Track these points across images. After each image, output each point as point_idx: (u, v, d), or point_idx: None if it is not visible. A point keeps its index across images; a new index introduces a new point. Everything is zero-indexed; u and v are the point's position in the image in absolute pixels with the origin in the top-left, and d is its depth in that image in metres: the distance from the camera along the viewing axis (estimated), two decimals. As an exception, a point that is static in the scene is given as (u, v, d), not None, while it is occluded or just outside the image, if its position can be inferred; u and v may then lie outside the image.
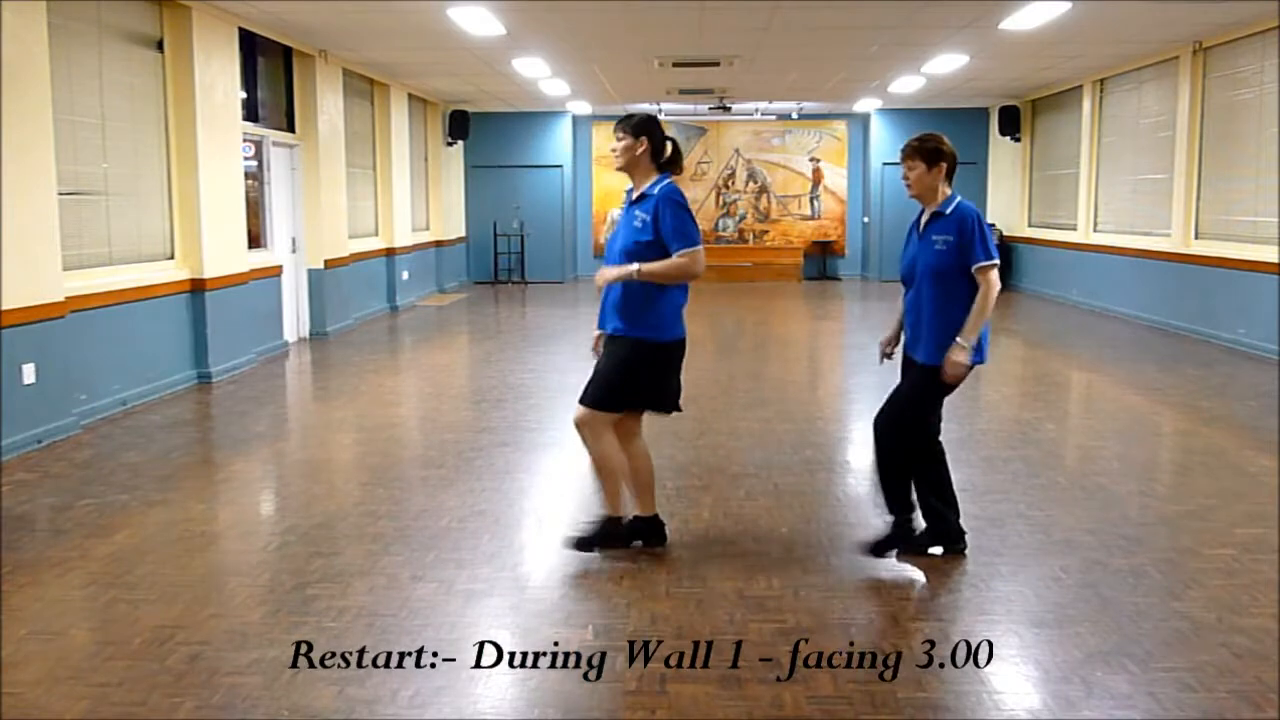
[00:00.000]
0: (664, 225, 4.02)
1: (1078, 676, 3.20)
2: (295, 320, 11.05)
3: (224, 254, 8.71)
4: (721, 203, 18.41)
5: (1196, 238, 10.99)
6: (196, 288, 8.33)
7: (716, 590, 3.92)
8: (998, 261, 4.04)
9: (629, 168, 4.19)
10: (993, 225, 16.67)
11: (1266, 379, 8.34)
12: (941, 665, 3.29)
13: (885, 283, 17.56)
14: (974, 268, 4.01)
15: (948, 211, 4.10)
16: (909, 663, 3.31)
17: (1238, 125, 10.26)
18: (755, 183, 18.33)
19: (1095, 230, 13.64)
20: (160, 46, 8.10)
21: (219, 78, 8.60)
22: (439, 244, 16.40)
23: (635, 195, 4.18)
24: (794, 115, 17.69)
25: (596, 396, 4.16)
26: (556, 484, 5.61)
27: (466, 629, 3.61)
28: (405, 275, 14.26)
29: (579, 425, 4.20)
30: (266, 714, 3.00)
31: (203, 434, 6.91)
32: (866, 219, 18.27)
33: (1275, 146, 9.50)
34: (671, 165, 4.21)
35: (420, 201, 15.87)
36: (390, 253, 13.80)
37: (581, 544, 4.33)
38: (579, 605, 3.79)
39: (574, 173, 18.37)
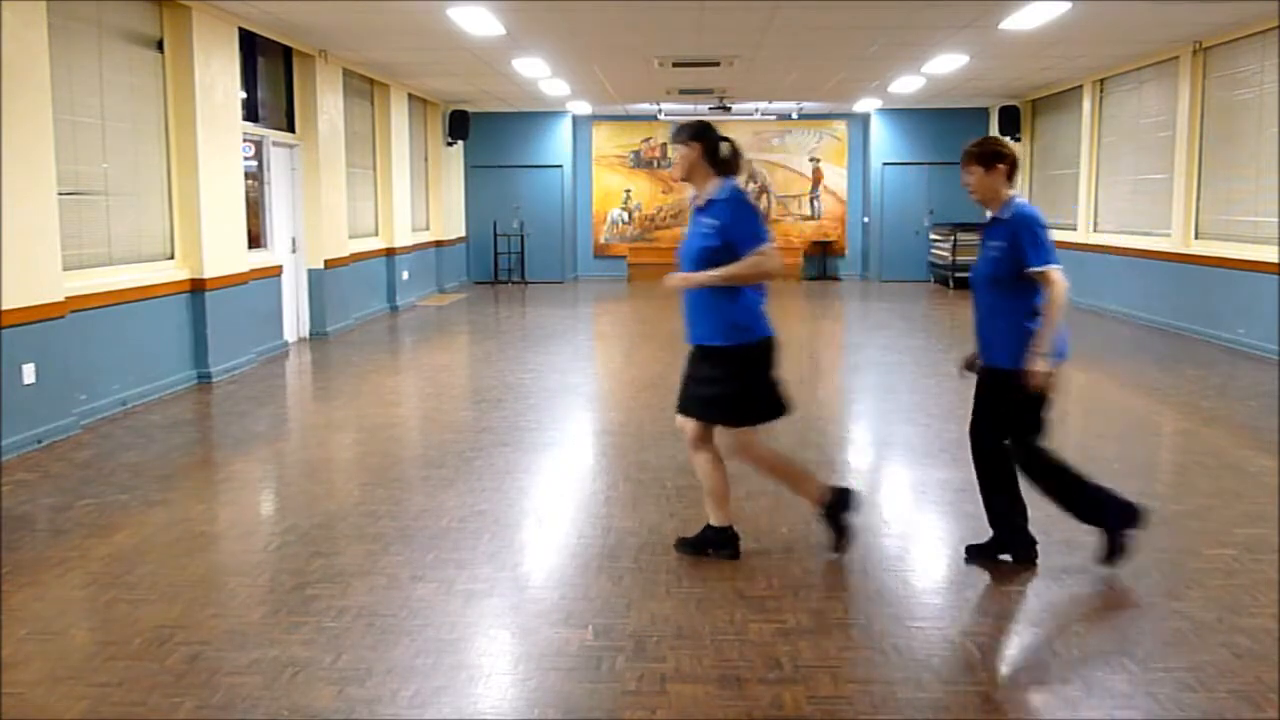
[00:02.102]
0: (732, 228, 3.98)
1: (1078, 676, 3.20)
2: (295, 320, 11.04)
3: (224, 254, 8.71)
4: (721, 203, 18.39)
5: (1196, 238, 10.99)
6: (196, 288, 8.33)
7: (716, 590, 3.92)
8: (1055, 264, 3.87)
9: (689, 176, 4.16)
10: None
11: (1266, 379, 8.34)
12: (942, 665, 3.29)
13: (885, 283, 17.57)
14: (1029, 271, 3.89)
15: (1005, 216, 4.01)
16: (910, 663, 3.31)
17: (1238, 125, 10.26)
18: (755, 183, 18.32)
19: (1095, 230, 13.64)
20: (160, 46, 8.10)
21: (219, 78, 8.60)
22: (439, 244, 16.40)
23: (702, 201, 4.13)
24: (794, 115, 17.69)
25: (728, 416, 4.12)
26: (556, 484, 5.61)
27: (466, 629, 3.61)
28: (405, 275, 14.25)
29: (734, 455, 4.19)
30: (266, 714, 3.00)
31: (203, 434, 6.91)
32: (867, 219, 18.27)
33: (1275, 146, 9.50)
34: (729, 166, 4.15)
35: (420, 201, 15.87)
36: (390, 253, 13.79)
37: (838, 543, 4.30)
38: (579, 605, 3.79)
39: (574, 173, 18.36)
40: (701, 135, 4.12)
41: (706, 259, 4.01)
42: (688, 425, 4.25)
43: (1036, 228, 3.94)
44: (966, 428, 4.26)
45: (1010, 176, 4.05)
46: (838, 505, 4.30)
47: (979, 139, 4.13)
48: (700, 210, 4.13)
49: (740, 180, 4.18)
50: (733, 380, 4.07)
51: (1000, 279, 3.99)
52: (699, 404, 4.17)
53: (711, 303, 4.04)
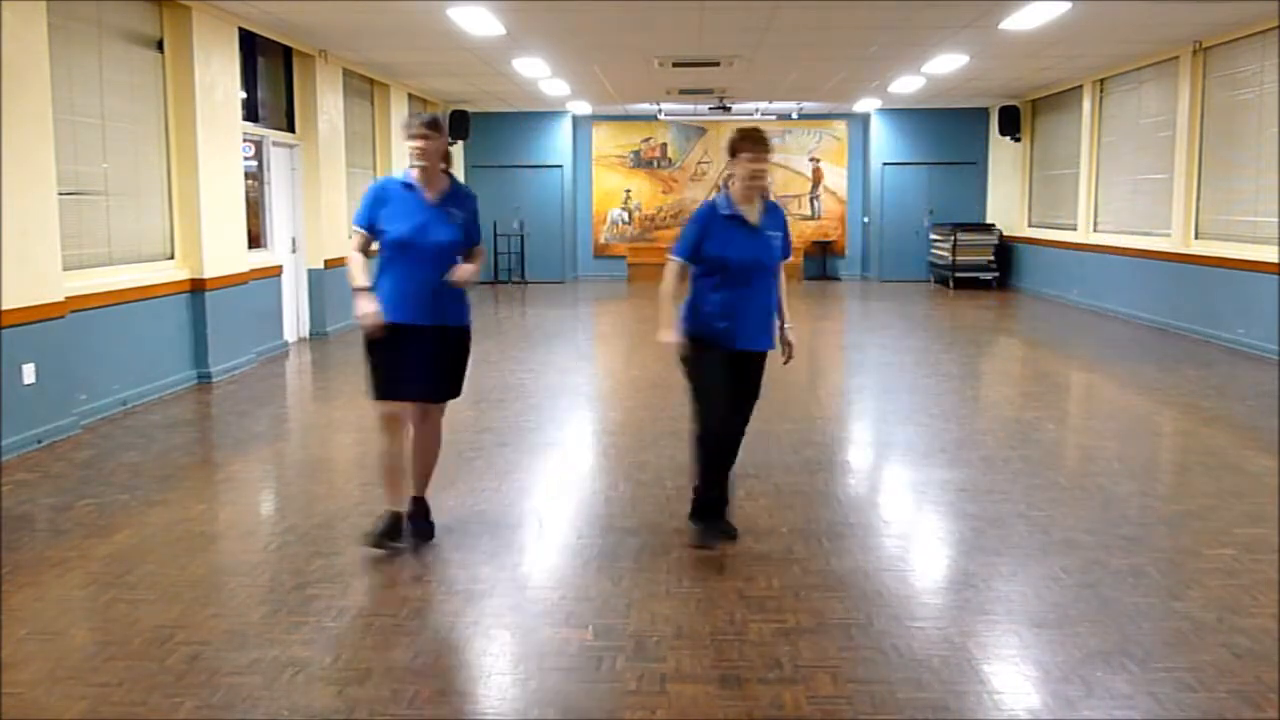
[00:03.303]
0: (472, 226, 4.43)
1: (1078, 676, 3.20)
2: (295, 320, 11.04)
3: (224, 254, 8.71)
4: (721, 203, 18.38)
5: (1196, 238, 10.99)
6: (196, 288, 8.33)
7: (716, 590, 3.92)
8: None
9: (432, 166, 4.30)
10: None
11: (1266, 379, 8.34)
12: (942, 665, 3.29)
13: (885, 283, 17.58)
14: (785, 262, 4.45)
15: (771, 206, 4.41)
16: (910, 663, 3.31)
17: (1238, 125, 10.26)
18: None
19: (1095, 230, 13.64)
20: (160, 46, 8.10)
21: (219, 78, 8.60)
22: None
23: (442, 194, 4.32)
24: (794, 115, 17.69)
25: (460, 388, 4.44)
26: (556, 484, 5.61)
27: (466, 629, 3.61)
28: (405, 275, 14.22)
29: (439, 418, 4.47)
30: (266, 714, 3.00)
31: (203, 434, 6.91)
32: (866, 219, 18.27)
33: (1275, 146, 9.50)
34: (449, 165, 4.44)
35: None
36: (390, 253, 13.76)
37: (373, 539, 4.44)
38: (579, 605, 3.79)
39: (574, 173, 18.37)
40: (445, 130, 4.36)
41: (459, 250, 4.36)
42: (410, 408, 4.40)
43: None
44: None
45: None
46: (395, 528, 4.43)
47: (754, 128, 4.35)
48: (445, 203, 4.33)
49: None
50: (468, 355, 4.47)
51: (774, 267, 4.37)
52: (454, 383, 4.42)
53: (462, 290, 4.38)
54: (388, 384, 4.30)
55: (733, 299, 4.27)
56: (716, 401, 4.28)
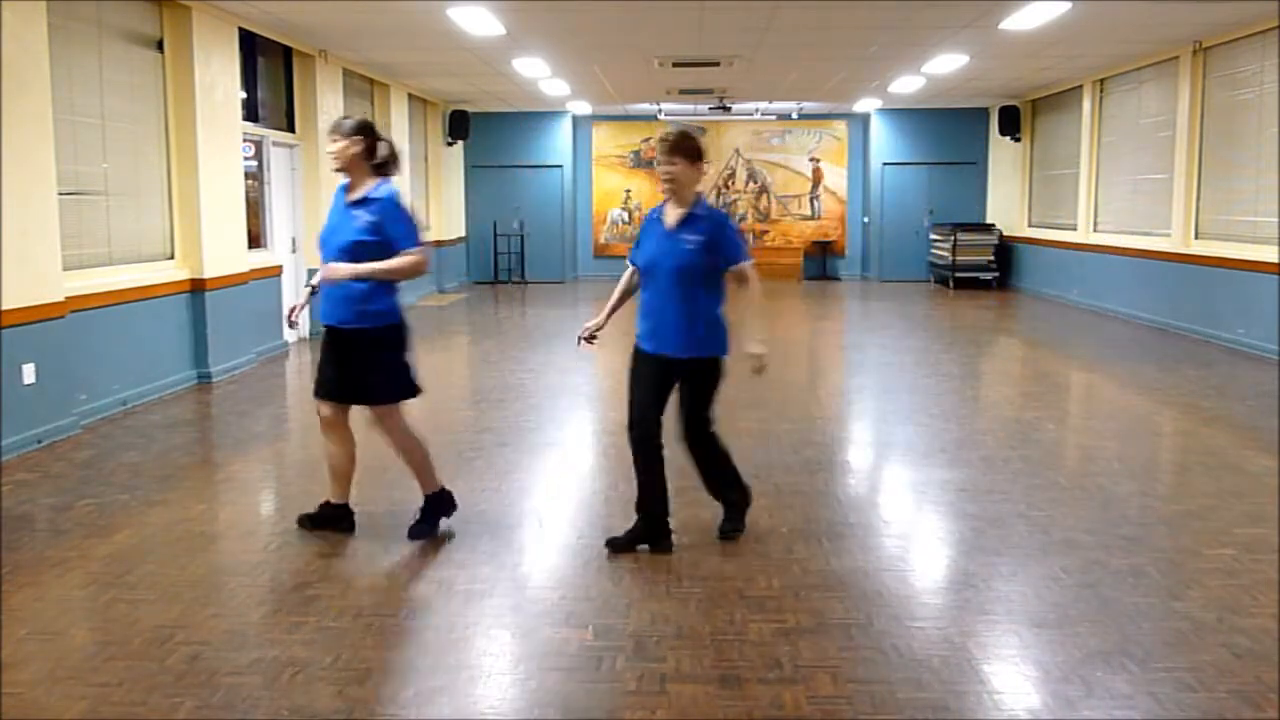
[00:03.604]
0: (389, 227, 4.23)
1: (1078, 676, 3.20)
2: (295, 320, 11.03)
3: (224, 254, 8.71)
4: (721, 203, 18.39)
5: (1196, 238, 10.99)
6: (196, 288, 8.33)
7: (716, 590, 3.93)
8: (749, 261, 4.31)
9: (347, 168, 4.30)
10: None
11: (1266, 379, 8.34)
12: (942, 665, 3.29)
13: (885, 283, 17.58)
14: (735, 268, 4.25)
15: (699, 212, 4.25)
16: (910, 663, 3.31)
17: (1238, 125, 10.26)
18: (755, 183, 18.33)
19: (1095, 230, 13.64)
20: (160, 46, 8.10)
21: (219, 78, 8.60)
22: (439, 244, 16.38)
23: (358, 196, 4.30)
24: (794, 115, 17.69)
25: (395, 391, 4.43)
26: (556, 484, 5.61)
27: (466, 629, 3.61)
28: (405, 275, 14.22)
29: (389, 422, 4.48)
30: (266, 714, 3.00)
31: (203, 434, 6.91)
32: (867, 219, 18.27)
33: (1275, 146, 9.50)
34: (386, 168, 4.38)
35: (420, 201, 15.86)
36: (390, 253, 13.76)
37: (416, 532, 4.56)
38: (579, 605, 3.79)
39: (574, 173, 18.37)
40: (364, 132, 4.32)
41: (362, 251, 4.21)
42: (333, 407, 4.51)
43: (735, 228, 4.37)
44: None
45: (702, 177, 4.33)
46: (443, 503, 4.64)
47: (681, 132, 4.29)
48: (355, 204, 4.29)
49: (394, 181, 4.41)
50: (399, 355, 4.44)
51: (694, 272, 4.19)
52: (363, 386, 4.40)
53: (376, 289, 4.27)
54: (315, 382, 4.52)
55: (645, 302, 4.35)
56: (632, 400, 4.38)
